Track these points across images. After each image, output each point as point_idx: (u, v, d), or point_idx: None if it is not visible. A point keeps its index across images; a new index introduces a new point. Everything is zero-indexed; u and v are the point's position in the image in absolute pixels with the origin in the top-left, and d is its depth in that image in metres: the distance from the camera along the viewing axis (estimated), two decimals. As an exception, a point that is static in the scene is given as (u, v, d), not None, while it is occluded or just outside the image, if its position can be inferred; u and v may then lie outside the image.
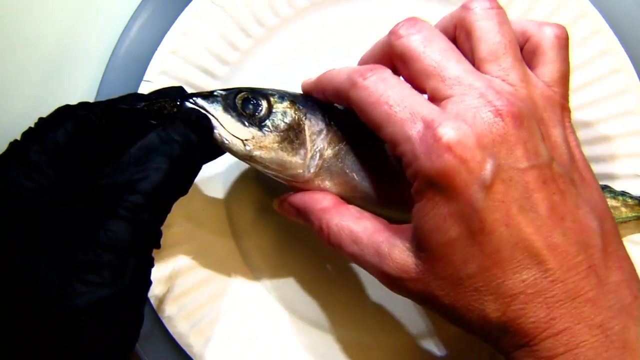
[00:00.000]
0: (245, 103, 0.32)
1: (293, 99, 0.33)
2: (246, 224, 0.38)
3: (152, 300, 0.35)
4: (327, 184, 0.33)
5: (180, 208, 0.34)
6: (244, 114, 0.32)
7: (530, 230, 0.25)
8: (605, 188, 0.37)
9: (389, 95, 0.27)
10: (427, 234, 0.27)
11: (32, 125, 0.29)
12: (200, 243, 0.37)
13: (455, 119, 0.26)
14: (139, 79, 0.36)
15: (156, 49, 0.36)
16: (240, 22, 0.37)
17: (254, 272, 0.38)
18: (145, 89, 0.36)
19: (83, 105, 0.30)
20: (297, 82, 0.38)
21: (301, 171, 0.33)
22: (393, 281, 0.29)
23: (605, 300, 0.26)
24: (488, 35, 0.28)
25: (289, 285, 0.38)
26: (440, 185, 0.26)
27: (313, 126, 0.33)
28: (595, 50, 0.38)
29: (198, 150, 0.30)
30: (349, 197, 0.33)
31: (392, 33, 0.29)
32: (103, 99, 0.37)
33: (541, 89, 0.29)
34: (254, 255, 0.38)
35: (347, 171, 0.33)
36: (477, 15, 0.29)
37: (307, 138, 0.33)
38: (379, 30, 0.38)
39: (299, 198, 0.33)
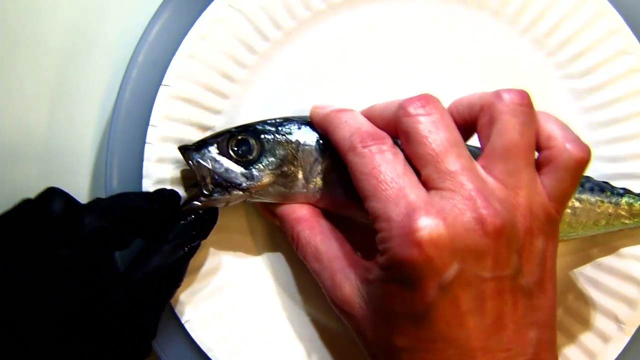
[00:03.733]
0: (236, 147, 0.33)
1: (285, 132, 0.33)
2: (267, 229, 0.38)
3: (173, 304, 0.36)
4: (329, 205, 0.34)
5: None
6: (237, 158, 0.33)
7: (469, 333, 0.26)
8: (624, 194, 0.36)
9: (382, 170, 0.28)
10: (378, 295, 0.28)
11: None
12: (220, 247, 0.37)
13: (436, 215, 0.26)
14: (158, 83, 0.36)
15: (174, 53, 0.37)
16: (258, 26, 0.37)
17: (275, 277, 0.38)
18: (164, 93, 0.36)
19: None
20: (317, 85, 0.38)
21: (303, 199, 0.34)
22: (337, 309, 0.31)
23: None
24: (508, 131, 0.28)
25: (312, 292, 0.38)
26: (401, 271, 0.26)
27: (307, 156, 0.33)
28: (614, 50, 0.38)
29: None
30: (349, 215, 0.34)
31: (402, 108, 0.29)
32: (123, 103, 0.37)
33: (542, 200, 0.29)
34: (275, 260, 0.38)
35: (343, 195, 0.33)
36: (505, 108, 0.28)
37: (303, 169, 0.33)
38: (397, 34, 0.38)
39: (277, 207, 0.34)
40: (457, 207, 0.26)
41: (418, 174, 0.29)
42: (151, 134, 0.36)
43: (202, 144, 0.33)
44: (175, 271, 0.33)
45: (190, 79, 0.37)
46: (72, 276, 0.29)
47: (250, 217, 0.38)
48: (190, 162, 0.33)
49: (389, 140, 0.29)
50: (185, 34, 0.37)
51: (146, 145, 0.36)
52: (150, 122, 0.36)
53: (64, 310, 0.28)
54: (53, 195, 0.30)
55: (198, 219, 0.33)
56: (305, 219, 0.33)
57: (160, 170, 0.36)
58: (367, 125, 0.30)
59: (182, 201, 0.34)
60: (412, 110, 0.28)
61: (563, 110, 0.39)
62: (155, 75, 0.37)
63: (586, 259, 0.38)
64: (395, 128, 0.30)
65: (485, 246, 0.26)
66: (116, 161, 0.37)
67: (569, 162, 0.29)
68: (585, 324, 0.37)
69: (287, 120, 0.35)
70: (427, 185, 0.28)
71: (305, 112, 0.36)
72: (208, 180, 0.32)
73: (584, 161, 0.29)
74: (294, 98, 0.38)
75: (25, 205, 0.29)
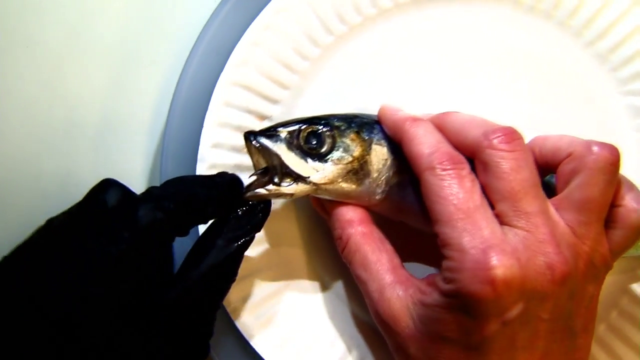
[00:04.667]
0: (308, 138, 0.32)
1: (358, 129, 0.33)
2: (311, 222, 0.38)
3: (225, 305, 0.36)
4: (386, 209, 0.33)
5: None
6: (308, 150, 0.32)
7: None
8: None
9: (460, 197, 0.28)
10: (434, 320, 0.28)
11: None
12: (273, 249, 0.37)
13: (511, 255, 0.26)
14: (220, 69, 0.36)
15: (238, 41, 0.36)
16: (323, 19, 0.37)
17: (326, 280, 0.38)
18: (225, 79, 0.36)
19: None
20: (377, 84, 0.38)
21: (367, 199, 0.33)
22: (379, 321, 0.30)
23: None
24: (591, 187, 0.29)
25: (354, 289, 0.37)
26: (467, 303, 0.26)
27: (378, 155, 0.33)
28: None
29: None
30: (407, 221, 0.34)
31: (486, 138, 0.29)
32: (183, 87, 0.37)
33: (603, 251, 0.29)
34: (327, 263, 0.38)
35: (408, 200, 0.33)
36: (594, 164, 0.29)
37: (372, 168, 0.32)
38: (463, 38, 0.38)
39: (330, 204, 0.34)
40: (530, 249, 0.27)
41: (489, 203, 0.29)
42: (209, 119, 0.36)
43: (274, 131, 0.32)
44: (229, 266, 0.32)
45: (252, 66, 0.37)
46: (127, 271, 0.28)
47: (298, 208, 0.38)
48: (260, 147, 0.32)
49: (468, 166, 0.29)
50: (251, 22, 0.37)
51: (203, 130, 0.36)
52: (209, 107, 0.36)
53: (119, 304, 0.28)
54: (107, 186, 0.29)
55: (251, 212, 0.32)
56: (358, 224, 0.33)
57: (214, 156, 0.36)
58: (446, 146, 0.30)
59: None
60: (496, 143, 0.28)
61: (620, 126, 0.39)
62: (218, 61, 0.37)
63: (634, 278, 0.38)
64: (472, 152, 0.30)
65: (550, 291, 0.27)
66: (173, 143, 0.37)
67: (637, 222, 0.30)
68: (627, 341, 0.37)
69: (358, 117, 0.34)
70: (499, 219, 0.28)
71: (365, 110, 0.36)
72: (278, 169, 0.32)
73: None
74: (354, 94, 0.38)
75: (83, 200, 0.29)
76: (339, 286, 0.38)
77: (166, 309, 0.29)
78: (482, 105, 0.38)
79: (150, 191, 0.30)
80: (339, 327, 0.38)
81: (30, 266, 0.27)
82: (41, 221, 0.38)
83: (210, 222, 0.33)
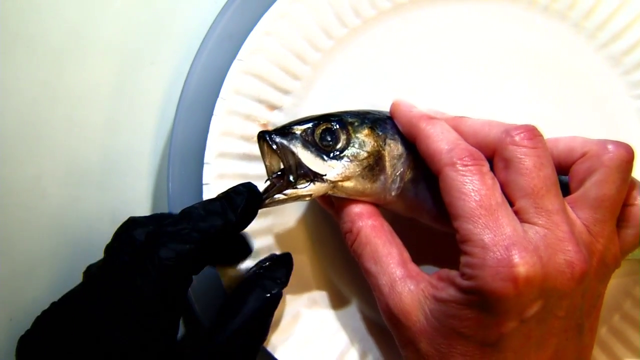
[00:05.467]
0: (323, 135, 0.32)
1: (372, 124, 0.33)
2: (317, 220, 0.38)
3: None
4: (400, 205, 0.33)
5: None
6: (323, 147, 0.32)
7: None
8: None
9: (482, 194, 0.27)
10: (449, 315, 0.28)
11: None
12: (277, 245, 0.37)
13: (533, 252, 0.26)
14: (232, 57, 0.36)
15: (252, 29, 0.36)
16: (338, 11, 0.37)
17: (329, 275, 0.38)
18: (237, 67, 0.36)
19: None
20: (388, 79, 0.38)
21: (383, 196, 0.33)
22: (389, 316, 0.30)
23: None
24: (608, 185, 0.29)
25: (360, 285, 0.38)
26: (486, 300, 0.26)
27: (393, 151, 0.32)
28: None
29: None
30: (417, 217, 0.34)
31: (509, 135, 0.29)
32: (196, 73, 0.37)
33: (615, 250, 0.30)
34: (331, 260, 0.38)
35: (421, 196, 0.33)
36: (611, 162, 0.29)
37: (388, 163, 0.32)
38: (474, 37, 0.38)
39: (338, 198, 0.33)
40: (551, 247, 0.27)
41: (508, 200, 0.29)
42: (219, 107, 0.36)
43: (288, 129, 0.32)
44: (260, 326, 0.32)
45: (264, 56, 0.37)
46: (154, 322, 0.28)
47: (302, 206, 0.38)
48: (275, 146, 0.31)
49: (487, 163, 0.29)
50: (265, 10, 0.37)
51: (213, 117, 0.36)
52: (220, 94, 0.36)
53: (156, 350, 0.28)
54: (134, 227, 0.30)
55: (276, 265, 0.33)
56: (368, 217, 0.32)
57: (223, 144, 0.36)
58: (464, 143, 0.30)
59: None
60: (519, 140, 0.29)
61: (630, 129, 0.38)
62: (230, 49, 0.37)
63: (638, 282, 0.38)
64: (491, 152, 0.30)
65: (568, 289, 0.27)
66: (182, 131, 0.37)
67: None
68: (628, 345, 0.37)
69: (370, 112, 0.34)
70: (519, 216, 0.28)
71: (375, 104, 0.36)
72: (294, 169, 0.31)
73: None
74: (364, 88, 0.38)
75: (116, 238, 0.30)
76: (341, 282, 0.38)
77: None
78: (492, 105, 0.38)
79: (166, 231, 0.29)
80: (342, 320, 0.38)
81: (71, 313, 0.28)
82: (41, 221, 0.39)
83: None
